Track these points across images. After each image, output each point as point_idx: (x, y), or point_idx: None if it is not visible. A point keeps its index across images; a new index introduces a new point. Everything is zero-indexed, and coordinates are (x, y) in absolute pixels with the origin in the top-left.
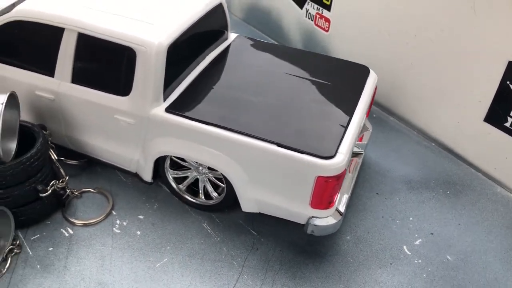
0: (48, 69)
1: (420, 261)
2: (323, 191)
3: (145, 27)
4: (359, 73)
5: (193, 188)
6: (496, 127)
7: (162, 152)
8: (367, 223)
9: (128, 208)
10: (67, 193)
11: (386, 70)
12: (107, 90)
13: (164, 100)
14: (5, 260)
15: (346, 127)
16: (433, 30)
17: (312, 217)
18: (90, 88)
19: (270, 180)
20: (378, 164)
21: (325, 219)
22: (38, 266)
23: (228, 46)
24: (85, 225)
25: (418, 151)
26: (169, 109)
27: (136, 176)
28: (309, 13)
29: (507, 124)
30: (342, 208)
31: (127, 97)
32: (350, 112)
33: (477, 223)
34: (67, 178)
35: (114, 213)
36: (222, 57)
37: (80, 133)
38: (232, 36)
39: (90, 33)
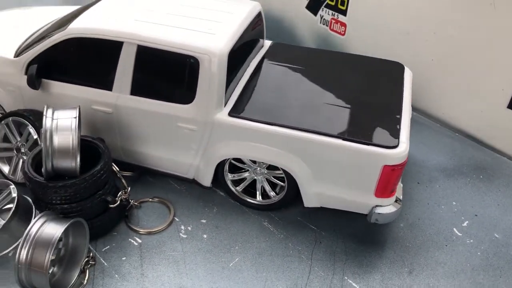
0: (105, 83)
1: (471, 241)
2: (389, 180)
3: (204, 36)
4: (395, 69)
5: (248, 190)
6: None
7: (225, 155)
8: (415, 210)
9: (189, 214)
10: (130, 203)
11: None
12: (168, 99)
13: (224, 105)
14: (83, 272)
15: (400, 118)
16: (452, 26)
17: (376, 206)
18: (150, 98)
19: (335, 173)
20: (412, 156)
21: (388, 207)
22: (116, 276)
23: (267, 52)
24: (149, 233)
25: (445, 142)
26: (231, 113)
27: (192, 182)
28: (324, 19)
29: None
30: (400, 196)
31: (190, 104)
32: (398, 105)
33: None
34: (129, 189)
35: (176, 219)
36: (264, 62)
37: (136, 144)
38: (267, 42)
39: (151, 45)
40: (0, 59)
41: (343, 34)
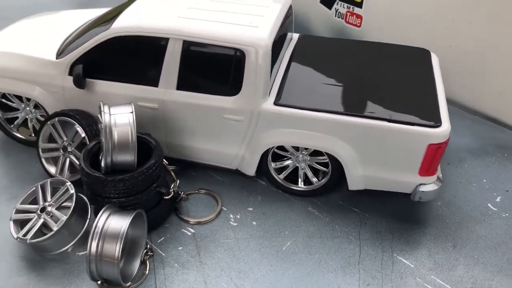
0: (151, 79)
1: (507, 214)
2: (433, 158)
3: (247, 29)
4: (422, 55)
5: (289, 177)
6: None
7: (271, 144)
8: (450, 189)
9: (236, 203)
10: (181, 195)
11: None
12: (214, 92)
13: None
14: (143, 263)
15: (437, 99)
16: (471, 13)
17: (420, 184)
18: (197, 92)
19: (380, 155)
20: None
21: (431, 185)
22: (176, 265)
23: (297, 43)
24: (199, 223)
25: (466, 124)
26: (277, 102)
27: (235, 173)
28: (339, 12)
29: None
30: (440, 175)
31: (236, 96)
32: (433, 87)
33: None
34: (177, 181)
35: (224, 209)
36: (297, 53)
37: (182, 138)
38: (295, 35)
39: (197, 40)
40: (43, 61)
41: (359, 26)
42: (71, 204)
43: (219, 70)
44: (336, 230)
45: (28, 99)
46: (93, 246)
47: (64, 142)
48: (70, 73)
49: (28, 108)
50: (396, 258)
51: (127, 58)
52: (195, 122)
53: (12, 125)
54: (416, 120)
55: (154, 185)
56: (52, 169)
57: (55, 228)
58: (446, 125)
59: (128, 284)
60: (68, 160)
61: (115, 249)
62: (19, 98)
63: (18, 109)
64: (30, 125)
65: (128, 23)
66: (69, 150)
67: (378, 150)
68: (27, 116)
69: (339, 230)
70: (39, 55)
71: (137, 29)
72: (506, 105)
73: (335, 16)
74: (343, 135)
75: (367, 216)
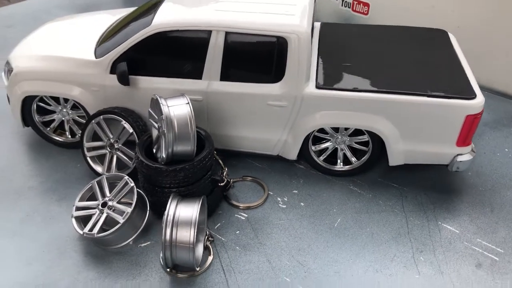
0: (194, 72)
1: None
2: (470, 128)
3: (285, 17)
4: (441, 35)
5: (327, 159)
6: None
7: (315, 126)
8: (476, 160)
9: (280, 187)
10: (230, 183)
11: None
12: (258, 80)
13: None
14: (205, 248)
15: (465, 74)
16: None
17: (457, 155)
18: (240, 82)
19: (421, 129)
20: None
21: (467, 155)
22: (237, 248)
23: (321, 30)
24: (249, 207)
25: None
26: (319, 86)
27: (276, 158)
28: (346, 1)
29: None
30: (473, 146)
31: (279, 82)
32: (458, 63)
33: None
34: (226, 169)
35: (271, 193)
36: (323, 40)
37: (225, 128)
38: (316, 23)
39: (239, 31)
40: (82, 61)
41: (367, 14)
42: (130, 199)
43: (262, 58)
44: (381, 205)
45: (66, 101)
46: (168, 233)
47: (111, 139)
48: (111, 71)
49: (65, 110)
50: (441, 226)
51: (169, 52)
52: (238, 111)
53: (49, 128)
54: (453, 94)
55: (209, 173)
56: (98, 168)
57: (121, 221)
58: (480, 96)
59: (197, 268)
60: (115, 157)
61: (190, 234)
62: (56, 100)
63: (54, 112)
64: (66, 126)
65: (169, 18)
66: (116, 147)
67: (418, 125)
68: (63, 118)
69: (383, 204)
70: (77, 55)
71: (179, 23)
72: None
73: (342, 5)
74: (384, 112)
75: (406, 190)
